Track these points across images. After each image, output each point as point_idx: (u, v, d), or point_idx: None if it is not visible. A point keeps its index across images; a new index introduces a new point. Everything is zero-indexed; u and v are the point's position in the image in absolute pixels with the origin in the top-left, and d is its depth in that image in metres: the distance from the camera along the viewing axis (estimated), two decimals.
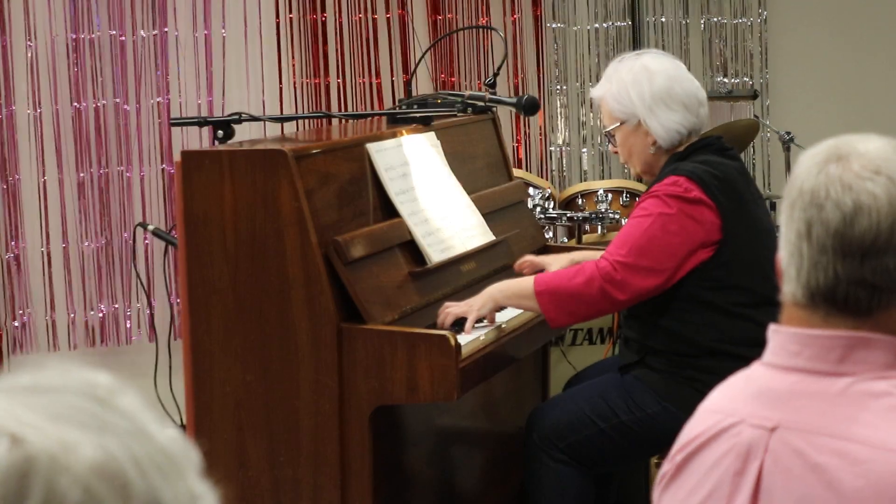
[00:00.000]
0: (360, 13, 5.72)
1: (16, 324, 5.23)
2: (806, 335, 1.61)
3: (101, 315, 5.35)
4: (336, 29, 5.69)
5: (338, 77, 5.71)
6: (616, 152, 3.49)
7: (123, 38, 5.33)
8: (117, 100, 5.32)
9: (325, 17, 5.68)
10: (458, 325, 3.33)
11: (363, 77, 5.75)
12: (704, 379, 3.14)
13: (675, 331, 3.30)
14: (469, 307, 3.33)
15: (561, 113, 6.15)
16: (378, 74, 5.76)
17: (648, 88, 3.36)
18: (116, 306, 5.37)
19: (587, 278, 3.22)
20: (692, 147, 3.37)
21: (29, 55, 5.17)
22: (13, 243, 5.21)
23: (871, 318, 1.58)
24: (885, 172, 1.57)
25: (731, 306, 3.27)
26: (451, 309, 3.34)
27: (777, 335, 1.65)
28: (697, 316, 3.29)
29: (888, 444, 1.53)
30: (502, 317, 3.47)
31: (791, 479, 1.57)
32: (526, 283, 3.32)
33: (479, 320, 3.36)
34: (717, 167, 3.32)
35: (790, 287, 1.62)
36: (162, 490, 0.90)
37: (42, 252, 5.24)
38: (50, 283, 5.26)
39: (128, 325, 5.41)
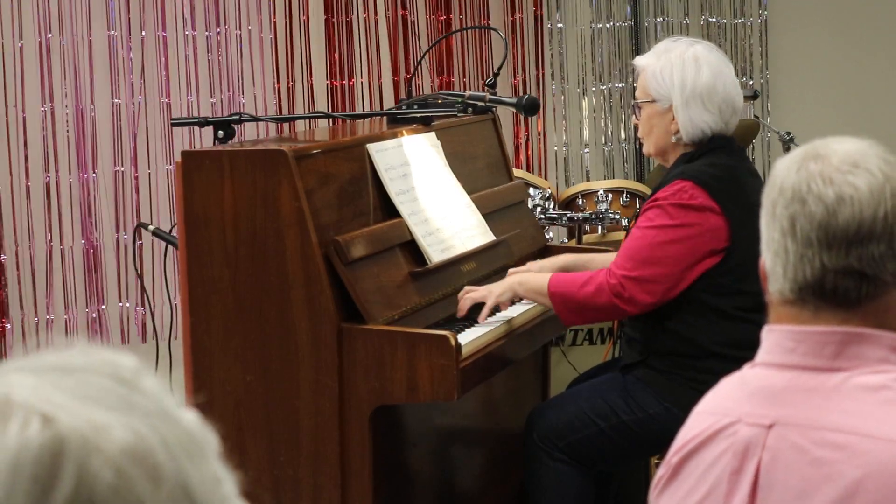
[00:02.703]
0: (360, 13, 5.72)
1: (10, 324, 5.23)
2: (800, 332, 1.62)
3: (101, 315, 5.35)
4: (336, 29, 5.69)
5: (337, 77, 5.71)
6: (637, 124, 3.48)
7: (130, 39, 5.33)
8: (118, 100, 5.32)
9: (326, 17, 5.68)
10: (474, 311, 3.39)
11: (364, 77, 5.74)
12: (706, 380, 3.10)
13: (679, 333, 3.30)
14: (489, 293, 3.37)
15: (561, 113, 6.15)
16: (379, 75, 5.76)
17: (692, 80, 3.31)
18: (117, 306, 5.38)
19: (596, 289, 3.24)
20: (704, 148, 3.35)
21: (27, 55, 5.17)
22: (12, 242, 5.21)
23: (861, 310, 1.60)
24: (863, 166, 1.60)
25: (736, 311, 3.27)
26: (471, 294, 3.39)
27: (771, 334, 1.66)
28: (702, 319, 3.28)
29: (886, 435, 1.54)
30: (504, 314, 3.47)
31: (790, 474, 1.58)
32: (543, 280, 3.34)
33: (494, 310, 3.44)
34: (726, 170, 3.30)
35: (777, 286, 1.63)
36: (190, 472, 0.90)
37: (42, 251, 5.25)
38: (50, 283, 5.26)
39: (127, 325, 5.41)
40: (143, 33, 5.36)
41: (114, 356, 0.95)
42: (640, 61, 3.44)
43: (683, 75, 3.32)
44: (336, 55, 5.70)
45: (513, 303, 3.54)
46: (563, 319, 3.37)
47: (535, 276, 3.44)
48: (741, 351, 3.18)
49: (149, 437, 0.88)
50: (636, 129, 3.52)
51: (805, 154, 1.63)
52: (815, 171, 1.60)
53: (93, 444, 0.86)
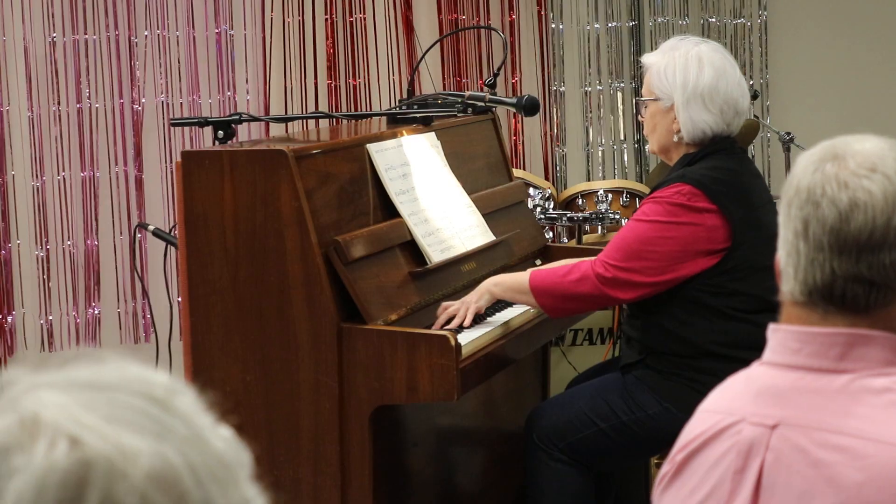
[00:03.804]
0: (363, 13, 5.72)
1: (10, 320, 5.23)
2: (806, 332, 1.61)
3: (101, 315, 5.35)
4: (338, 29, 5.69)
5: (339, 78, 5.71)
6: (642, 120, 3.49)
7: (131, 37, 5.33)
8: (122, 100, 5.33)
9: (327, 17, 5.67)
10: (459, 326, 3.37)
11: (365, 77, 5.74)
12: (705, 380, 3.13)
13: (677, 333, 3.30)
14: (463, 303, 3.36)
15: (561, 113, 6.15)
16: (378, 75, 5.76)
17: (694, 80, 3.31)
18: (116, 307, 5.37)
19: (580, 276, 3.25)
20: (705, 150, 3.34)
21: (28, 55, 5.17)
22: (11, 242, 5.21)
23: (870, 316, 1.59)
24: (880, 170, 1.58)
25: (734, 311, 3.26)
26: (449, 309, 3.36)
27: (777, 333, 1.65)
28: (699, 319, 3.28)
29: (889, 439, 1.53)
30: (505, 315, 3.47)
31: (792, 476, 1.58)
32: (522, 278, 3.34)
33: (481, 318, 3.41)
34: (726, 172, 3.29)
35: (788, 286, 1.62)
36: (217, 499, 0.89)
37: (42, 251, 5.25)
38: (49, 283, 5.26)
39: (127, 326, 5.40)
40: (146, 33, 5.36)
41: (148, 374, 0.94)
42: (646, 59, 3.45)
43: (685, 75, 3.32)
44: (337, 55, 5.70)
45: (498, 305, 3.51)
46: (548, 311, 3.36)
47: (511, 275, 3.45)
48: (740, 351, 3.19)
49: (176, 463, 0.87)
50: (639, 126, 3.53)
51: (823, 154, 1.61)
52: (831, 174, 1.58)
53: (119, 469, 0.85)
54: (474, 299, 3.37)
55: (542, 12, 6.05)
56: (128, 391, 0.91)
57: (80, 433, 0.86)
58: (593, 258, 3.29)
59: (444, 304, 3.39)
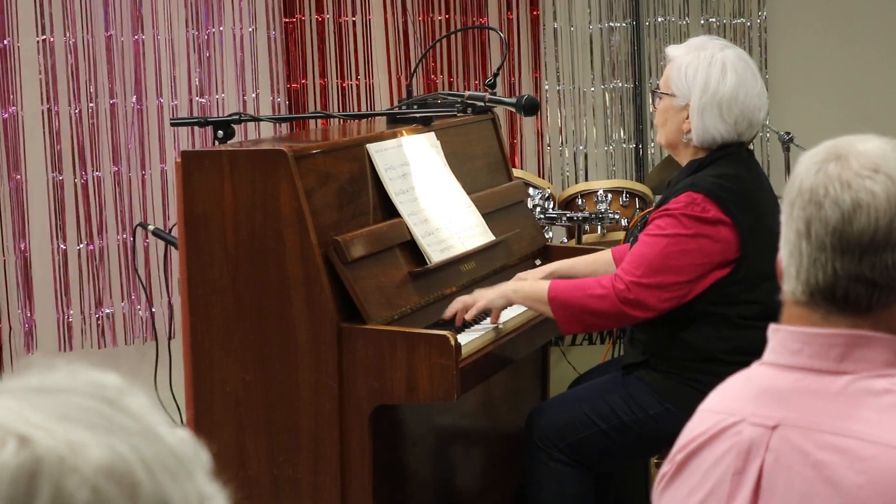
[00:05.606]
0: (359, 14, 5.72)
1: (17, 324, 5.23)
2: (807, 333, 1.61)
3: (101, 316, 5.35)
4: (336, 29, 5.70)
5: (337, 77, 5.71)
6: (653, 111, 3.47)
7: (123, 38, 5.33)
8: (114, 100, 5.33)
9: (324, 17, 5.68)
10: (466, 322, 3.37)
11: (363, 77, 5.74)
12: (708, 382, 3.11)
13: (683, 338, 3.29)
14: (480, 296, 3.35)
15: (559, 113, 6.15)
16: (373, 74, 5.76)
17: (714, 86, 3.27)
18: (117, 307, 5.37)
19: (602, 294, 3.21)
20: (713, 155, 3.32)
21: (32, 55, 5.17)
22: (13, 244, 5.21)
23: (871, 316, 1.59)
24: (883, 170, 1.58)
25: (741, 319, 3.24)
26: (463, 298, 3.37)
27: (777, 334, 1.65)
28: (707, 327, 3.26)
29: (889, 441, 1.53)
30: (504, 315, 3.47)
31: (792, 477, 1.58)
32: (541, 287, 3.31)
33: (484, 317, 3.41)
34: (735, 180, 3.27)
35: (790, 286, 1.62)
36: (170, 491, 0.90)
37: (42, 253, 5.24)
38: (50, 284, 5.26)
39: (128, 326, 5.40)
40: (157, 31, 5.36)
41: (98, 376, 0.95)
42: (671, 51, 3.41)
43: (706, 80, 3.28)
44: (335, 55, 5.70)
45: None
46: (561, 326, 3.32)
47: (530, 283, 3.43)
48: (746, 357, 3.17)
49: (127, 455, 0.88)
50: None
51: (826, 154, 1.61)
52: (834, 174, 1.58)
53: (69, 463, 0.86)
54: (491, 296, 3.35)
55: (538, 12, 6.05)
56: (78, 393, 0.92)
57: (28, 432, 0.87)
58: (614, 274, 3.28)
59: (459, 298, 3.39)
